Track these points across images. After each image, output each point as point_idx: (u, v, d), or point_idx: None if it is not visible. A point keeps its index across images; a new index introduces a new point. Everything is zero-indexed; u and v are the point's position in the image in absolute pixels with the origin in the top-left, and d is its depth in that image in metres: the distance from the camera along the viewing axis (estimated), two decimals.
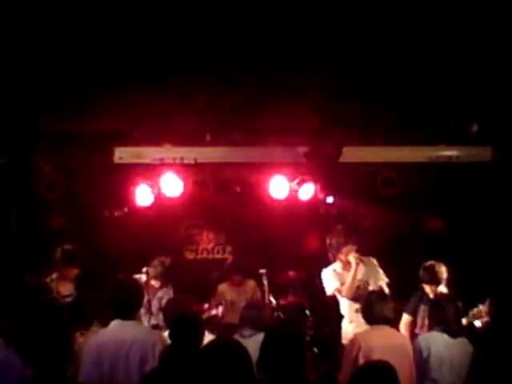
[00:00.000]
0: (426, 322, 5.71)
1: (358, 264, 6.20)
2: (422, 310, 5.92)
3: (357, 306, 6.24)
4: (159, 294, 6.63)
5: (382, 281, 6.26)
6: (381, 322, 4.79)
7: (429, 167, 7.30)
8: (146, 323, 5.88)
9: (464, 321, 5.31)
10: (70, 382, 3.31)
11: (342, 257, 6.32)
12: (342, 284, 6.25)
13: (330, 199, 7.48)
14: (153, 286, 6.56)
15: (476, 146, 7.13)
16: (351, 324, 6.29)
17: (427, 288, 5.97)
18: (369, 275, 6.32)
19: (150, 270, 6.47)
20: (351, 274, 6.18)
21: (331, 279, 6.33)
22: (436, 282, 5.92)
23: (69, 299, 5.83)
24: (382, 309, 4.82)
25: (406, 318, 5.96)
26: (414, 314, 5.94)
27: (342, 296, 6.28)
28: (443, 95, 5.80)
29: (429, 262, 6.04)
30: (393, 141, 7.17)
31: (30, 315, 3.35)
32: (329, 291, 6.35)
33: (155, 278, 6.57)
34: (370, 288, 6.12)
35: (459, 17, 4.30)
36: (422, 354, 4.82)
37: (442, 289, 5.97)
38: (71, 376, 4.31)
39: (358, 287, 6.28)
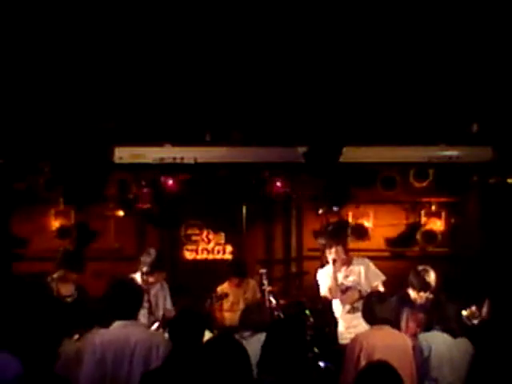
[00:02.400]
0: (411, 324, 5.70)
1: (334, 264, 6.22)
2: (406, 313, 5.89)
3: (348, 307, 6.26)
4: (152, 291, 6.42)
5: (379, 279, 6.23)
6: (381, 323, 4.79)
7: (429, 167, 7.30)
8: (146, 323, 5.86)
9: None
10: (58, 378, 3.29)
11: (328, 257, 6.35)
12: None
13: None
14: (147, 282, 6.38)
15: (476, 146, 7.13)
16: (343, 325, 6.33)
17: (414, 293, 5.95)
18: (362, 276, 6.33)
19: (141, 265, 6.33)
20: (331, 275, 6.23)
21: (323, 280, 6.38)
22: (425, 289, 5.89)
23: (69, 299, 5.82)
24: (381, 309, 4.82)
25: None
26: (397, 317, 5.85)
27: (331, 297, 6.32)
28: (443, 95, 5.80)
29: (420, 268, 5.99)
30: (393, 141, 7.17)
31: (19, 310, 3.33)
32: (322, 292, 6.40)
33: (146, 272, 6.36)
34: (363, 290, 6.13)
35: (459, 18, 4.30)
36: (423, 353, 4.81)
37: (421, 294, 5.95)
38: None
39: (349, 288, 6.30)
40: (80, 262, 6.03)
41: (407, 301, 5.95)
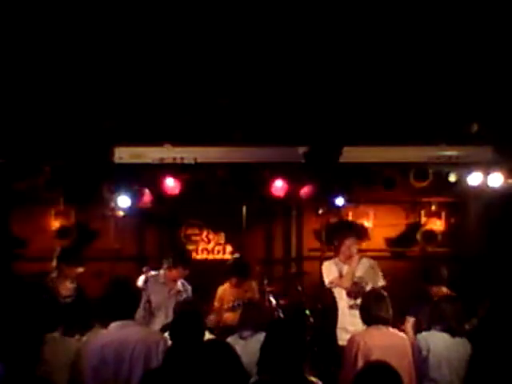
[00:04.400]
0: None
1: (359, 256, 6.26)
2: (426, 311, 5.91)
3: (351, 302, 6.28)
4: (174, 290, 6.32)
5: (380, 283, 6.27)
6: (379, 322, 4.79)
7: (429, 167, 7.30)
8: (147, 323, 5.86)
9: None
10: (41, 380, 3.27)
11: (343, 249, 6.38)
12: (341, 276, 6.32)
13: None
14: (169, 278, 6.37)
15: (476, 146, 7.13)
16: (345, 322, 6.33)
17: (432, 289, 5.98)
18: (367, 275, 6.35)
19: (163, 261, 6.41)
20: (352, 264, 6.26)
21: (330, 270, 6.41)
22: (440, 282, 5.94)
23: (68, 299, 5.82)
24: (379, 309, 4.82)
25: (410, 320, 5.93)
26: (417, 315, 5.89)
27: (340, 286, 6.35)
28: (443, 95, 5.80)
29: (431, 264, 6.08)
30: (393, 141, 7.17)
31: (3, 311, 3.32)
32: (326, 282, 6.42)
33: (169, 266, 6.35)
34: (368, 288, 6.15)
35: (459, 17, 4.29)
36: (422, 353, 4.82)
37: (443, 289, 5.99)
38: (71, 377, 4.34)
39: (355, 283, 6.31)
40: (78, 256, 6.03)
41: (428, 299, 5.96)
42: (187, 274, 6.44)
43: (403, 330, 5.49)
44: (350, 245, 6.36)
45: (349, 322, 6.25)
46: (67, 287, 5.90)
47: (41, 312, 3.42)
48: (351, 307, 6.29)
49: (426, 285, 6.02)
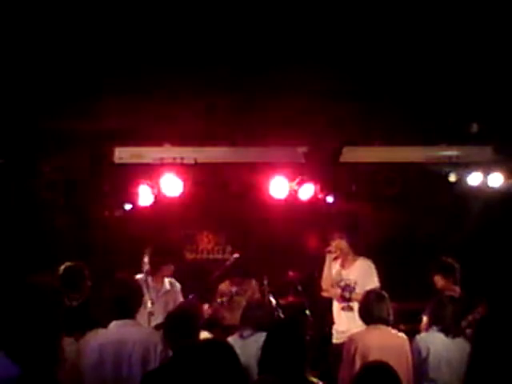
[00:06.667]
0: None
1: (336, 255, 6.31)
2: None
3: (342, 304, 6.32)
4: (161, 291, 6.17)
5: (373, 284, 6.24)
6: (378, 322, 4.80)
7: (429, 167, 7.31)
8: (146, 323, 5.85)
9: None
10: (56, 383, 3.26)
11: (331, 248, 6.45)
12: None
13: (329, 198, 7.47)
14: (155, 286, 6.27)
15: (476, 146, 7.13)
16: (338, 323, 6.39)
17: (441, 281, 5.99)
18: (360, 276, 6.35)
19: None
20: (329, 266, 6.35)
21: (325, 267, 6.49)
22: (451, 273, 5.97)
23: (75, 303, 5.76)
24: (378, 309, 4.83)
25: (425, 319, 5.93)
26: None
27: (324, 287, 6.43)
28: (443, 95, 5.80)
29: (444, 258, 6.14)
30: (393, 141, 7.17)
31: (18, 311, 3.30)
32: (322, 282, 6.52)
33: (147, 271, 6.10)
34: (357, 289, 6.16)
35: (459, 16, 4.29)
36: (421, 353, 4.82)
37: (456, 288, 6.02)
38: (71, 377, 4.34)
39: (347, 285, 6.34)
40: (81, 282, 5.68)
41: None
42: (171, 271, 6.21)
43: (402, 330, 5.50)
44: (329, 244, 6.42)
45: (340, 324, 6.31)
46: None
47: (48, 314, 3.41)
48: (343, 309, 6.34)
49: (437, 276, 6.04)
